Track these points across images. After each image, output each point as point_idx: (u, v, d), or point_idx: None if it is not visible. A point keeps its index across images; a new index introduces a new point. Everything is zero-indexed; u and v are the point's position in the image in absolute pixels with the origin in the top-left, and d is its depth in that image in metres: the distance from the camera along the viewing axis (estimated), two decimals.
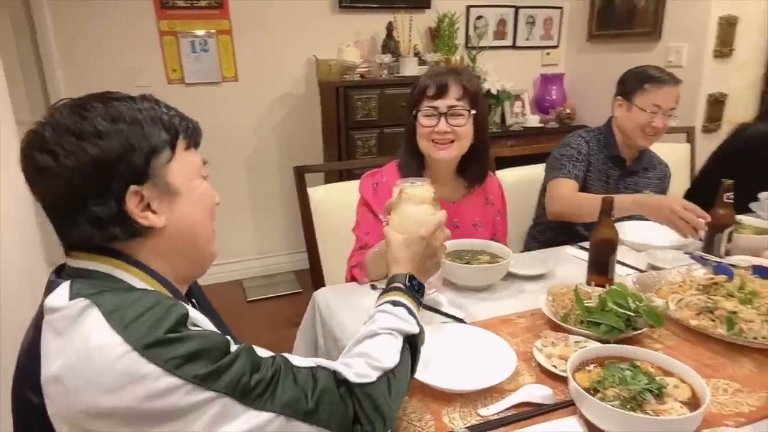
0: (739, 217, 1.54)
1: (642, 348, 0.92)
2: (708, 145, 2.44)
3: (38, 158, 0.67)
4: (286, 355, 0.72)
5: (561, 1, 3.82)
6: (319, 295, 1.33)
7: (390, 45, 3.26)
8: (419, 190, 1.17)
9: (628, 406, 0.76)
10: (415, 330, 0.80)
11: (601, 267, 1.27)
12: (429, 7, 3.45)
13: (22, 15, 2.75)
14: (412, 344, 0.80)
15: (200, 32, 3.04)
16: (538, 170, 2.04)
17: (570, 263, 1.46)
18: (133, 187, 0.69)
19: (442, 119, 1.38)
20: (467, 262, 1.33)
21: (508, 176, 2.07)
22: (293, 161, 1.97)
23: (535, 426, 0.82)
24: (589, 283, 1.26)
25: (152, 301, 0.63)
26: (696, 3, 2.95)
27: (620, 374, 0.81)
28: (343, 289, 1.35)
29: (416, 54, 3.29)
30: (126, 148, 0.68)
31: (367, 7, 3.31)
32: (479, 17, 3.64)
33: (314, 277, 1.82)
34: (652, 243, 1.50)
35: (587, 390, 0.80)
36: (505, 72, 3.60)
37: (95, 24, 2.85)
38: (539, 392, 0.88)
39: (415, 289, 0.87)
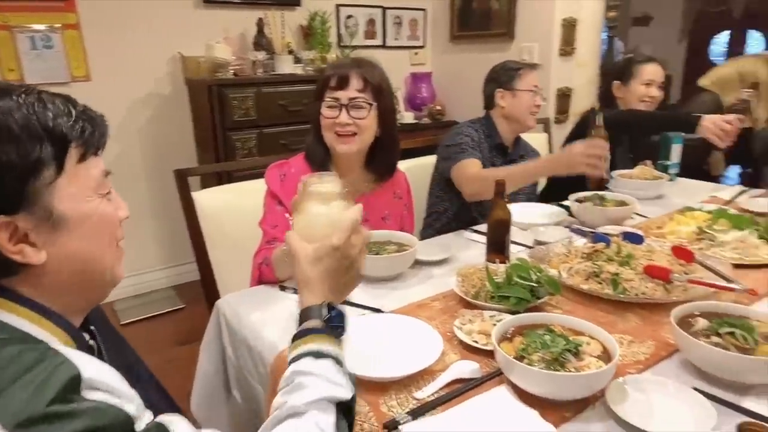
0: (602, 193, 1.74)
1: (552, 313, 0.99)
2: (559, 134, 2.75)
3: None
4: None
5: (424, 3, 4.01)
6: (224, 304, 1.24)
7: (262, 42, 3.16)
8: (327, 186, 1.15)
9: (552, 368, 0.82)
10: (348, 394, 0.66)
11: (498, 246, 1.35)
12: (299, 5, 3.40)
13: None
14: (346, 410, 0.67)
15: (41, 27, 2.67)
16: (421, 163, 2.12)
17: (469, 246, 1.53)
18: (0, 218, 0.56)
19: (344, 111, 1.37)
20: (376, 253, 1.33)
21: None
22: (163, 167, 1.82)
23: (469, 400, 0.85)
24: (491, 262, 1.33)
25: (32, 360, 0.51)
26: (542, 6, 3.28)
27: (540, 339, 0.86)
28: (249, 294, 1.28)
29: (290, 52, 3.23)
30: None
31: (234, 3, 3.17)
32: (349, 16, 3.68)
33: (207, 289, 1.70)
34: (535, 221, 1.63)
35: (515, 358, 0.85)
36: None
37: None
38: (467, 368, 0.90)
39: (335, 322, 0.73)
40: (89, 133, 0.64)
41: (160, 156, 3.11)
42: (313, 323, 0.72)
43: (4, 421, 0.46)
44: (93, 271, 0.65)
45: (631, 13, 9.16)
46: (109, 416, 0.52)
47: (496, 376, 0.88)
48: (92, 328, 0.73)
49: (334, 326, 0.73)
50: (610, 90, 2.32)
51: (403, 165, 2.13)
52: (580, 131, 2.23)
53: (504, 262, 1.27)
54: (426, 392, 0.86)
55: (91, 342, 0.70)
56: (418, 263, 1.39)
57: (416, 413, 0.81)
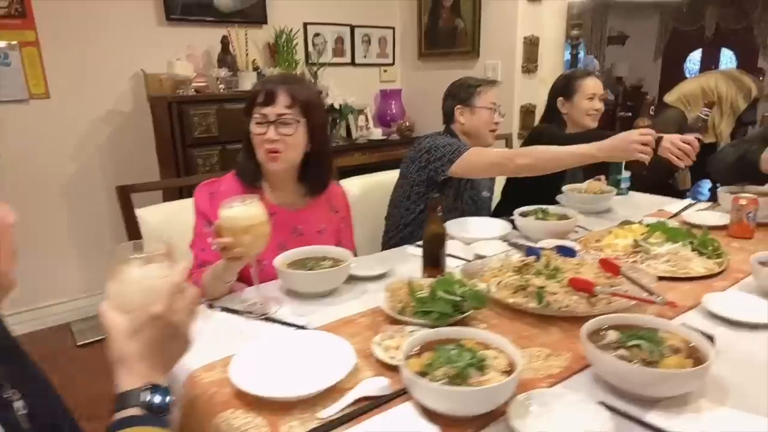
0: (546, 207, 1.75)
1: (465, 327, 0.98)
2: None
3: None
4: None
5: (392, 22, 4.06)
6: None
7: (227, 60, 3.17)
8: (241, 209, 1.14)
9: (455, 383, 0.81)
10: None
11: (434, 260, 1.35)
12: (266, 23, 3.43)
13: None
14: None
15: None
16: (385, 177, 2.17)
17: (408, 260, 1.52)
18: None
19: (272, 127, 1.37)
20: (310, 269, 1.32)
21: (355, 185, 2.13)
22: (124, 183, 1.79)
23: (374, 418, 0.83)
24: (425, 275, 1.33)
25: None
26: (505, 25, 3.34)
27: (447, 354, 0.85)
28: None
29: (255, 69, 3.24)
30: None
31: (198, 21, 3.18)
32: (317, 34, 3.72)
33: None
34: (480, 236, 1.64)
35: (419, 374, 0.83)
36: (347, 87, 3.71)
37: None
38: (375, 385, 0.89)
39: (156, 406, 0.66)
40: None
41: (121, 173, 3.07)
42: (132, 411, 0.65)
43: None
44: None
45: (607, 32, 9.40)
46: None
47: (402, 393, 0.87)
48: None
49: (160, 411, 0.67)
50: (555, 106, 2.33)
51: (359, 181, 2.16)
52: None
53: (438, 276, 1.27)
54: (330, 411, 0.85)
55: None
56: (354, 278, 1.38)
57: None
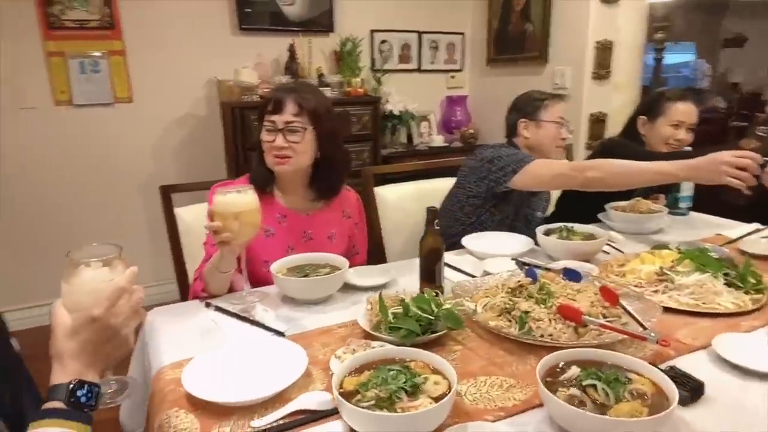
0: (573, 225, 1.63)
1: (413, 349, 0.94)
2: None
3: None
4: None
5: (462, 27, 4.00)
6: (149, 315, 1.29)
7: (293, 67, 3.30)
8: (234, 196, 1.19)
9: (381, 406, 0.78)
10: None
11: (429, 275, 1.31)
12: (333, 31, 3.52)
13: None
14: None
15: (91, 53, 2.97)
16: (439, 184, 2.15)
17: (414, 272, 1.48)
18: None
19: (280, 135, 1.40)
20: (305, 275, 1.34)
21: (407, 191, 2.16)
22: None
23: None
24: (421, 291, 1.29)
25: None
26: (575, 29, 3.16)
27: (383, 375, 0.83)
28: (175, 308, 1.33)
29: (320, 76, 3.34)
30: None
31: (268, 30, 3.34)
32: (383, 41, 3.75)
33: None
34: (492, 252, 1.56)
35: (351, 393, 0.82)
36: (411, 94, 3.72)
37: None
38: (316, 399, 0.88)
39: (81, 402, 0.72)
40: None
41: (194, 173, 3.31)
42: (55, 404, 0.71)
43: None
44: None
45: (722, 34, 8.52)
46: None
47: (336, 411, 0.85)
48: None
49: (83, 405, 0.72)
50: (635, 124, 2.12)
51: (398, 188, 2.14)
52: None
53: (437, 292, 1.23)
54: (264, 421, 0.85)
55: None
56: (351, 287, 1.38)
57: None
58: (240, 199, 1.19)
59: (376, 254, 2.13)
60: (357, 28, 3.56)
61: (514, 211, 1.89)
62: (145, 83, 3.13)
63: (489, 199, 1.84)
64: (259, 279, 1.42)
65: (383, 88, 3.59)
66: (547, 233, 1.60)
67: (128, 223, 3.21)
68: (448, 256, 1.58)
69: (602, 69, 3.14)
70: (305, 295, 1.31)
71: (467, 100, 4.05)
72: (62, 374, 0.74)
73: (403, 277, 1.45)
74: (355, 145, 3.26)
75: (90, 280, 0.77)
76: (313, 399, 0.88)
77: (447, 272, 1.48)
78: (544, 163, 1.74)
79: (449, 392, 0.80)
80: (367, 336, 1.10)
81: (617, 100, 3.22)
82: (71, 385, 0.72)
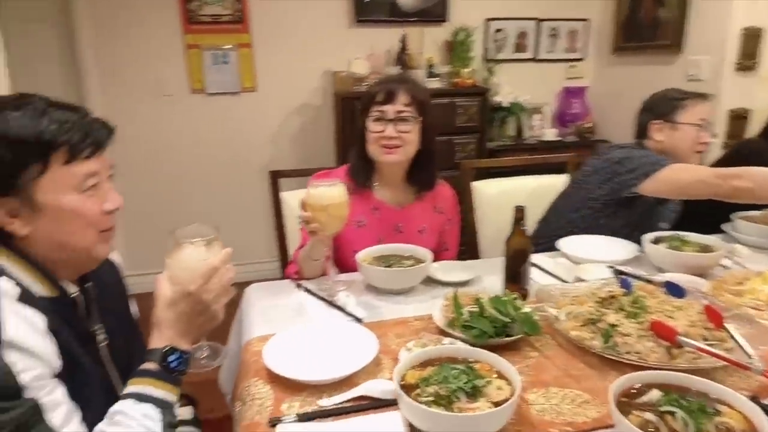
0: (687, 234, 1.47)
1: (481, 350, 0.92)
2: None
3: None
4: None
5: (587, 13, 3.74)
6: (248, 290, 1.41)
7: (403, 58, 3.33)
8: (324, 189, 1.24)
9: (439, 403, 0.78)
10: None
11: (514, 276, 1.27)
12: (446, 21, 3.49)
13: (64, 29, 3.06)
14: None
15: (222, 45, 3.24)
16: (545, 181, 2.08)
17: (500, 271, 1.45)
18: None
19: (390, 125, 1.43)
20: (388, 265, 1.36)
21: (491, 187, 2.11)
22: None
23: (362, 417, 0.85)
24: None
25: None
26: (718, 14, 2.81)
27: (445, 373, 0.83)
28: (271, 286, 1.42)
29: (430, 66, 3.35)
30: None
31: (382, 21, 3.40)
32: (498, 30, 3.64)
33: None
34: (590, 257, 1.47)
35: (412, 386, 0.83)
36: (524, 85, 3.58)
37: (129, 39, 3.12)
38: (380, 387, 0.91)
39: (171, 366, 0.81)
40: (78, 140, 0.80)
41: (306, 161, 3.50)
42: (150, 366, 0.81)
43: None
44: (68, 249, 0.83)
45: None
46: (0, 379, 0.67)
47: (395, 402, 0.87)
48: (87, 286, 0.93)
49: (172, 370, 0.81)
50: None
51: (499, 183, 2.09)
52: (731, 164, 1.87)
53: (524, 295, 1.20)
54: (330, 401, 0.90)
55: (75, 295, 0.89)
56: (434, 282, 1.38)
57: (304, 417, 0.86)
58: (329, 192, 1.24)
59: (468, 250, 2.10)
60: (471, 16, 3.49)
61: (638, 220, 1.73)
62: (268, 74, 3.36)
63: (610, 204, 1.71)
64: (348, 267, 1.48)
65: (494, 79, 3.50)
66: (656, 241, 1.47)
67: (245, 203, 3.49)
68: (541, 259, 1.53)
69: (748, 60, 2.77)
70: (387, 284, 1.34)
71: (587, 91, 3.80)
72: (159, 340, 0.84)
73: (488, 276, 1.42)
74: (459, 137, 3.22)
75: (188, 257, 0.86)
76: (378, 387, 0.91)
77: (537, 275, 1.43)
78: (682, 168, 1.57)
79: (511, 398, 0.78)
80: (441, 332, 1.10)
81: (764, 96, 2.82)
82: (165, 350, 0.82)
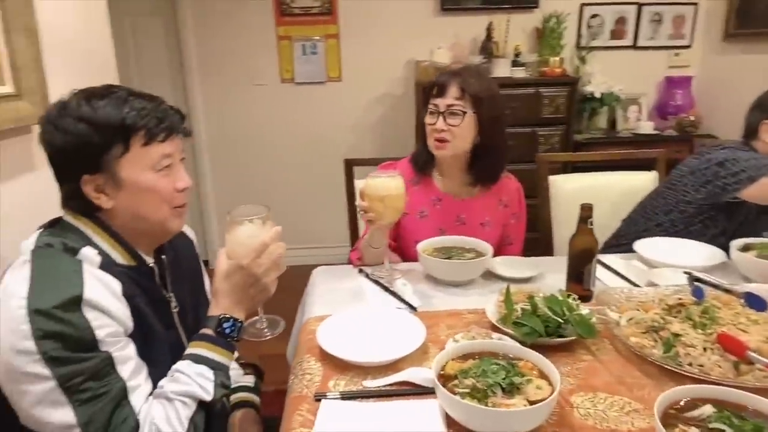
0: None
1: (524, 347, 0.91)
2: None
3: (45, 126, 0.88)
4: (134, 386, 0.82)
5: None
6: (314, 272, 1.48)
7: (489, 47, 3.27)
8: (382, 180, 1.27)
9: (474, 396, 0.79)
10: (208, 397, 0.83)
11: (577, 276, 1.23)
12: (537, 7, 3.37)
13: (171, 23, 3.34)
14: (208, 409, 0.85)
15: (311, 36, 3.37)
16: (629, 178, 1.98)
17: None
18: (86, 176, 0.86)
19: (440, 118, 1.44)
20: (448, 257, 1.37)
21: (570, 182, 2.03)
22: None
23: (402, 402, 0.88)
24: (569, 293, 1.23)
25: (65, 270, 0.79)
26: None
27: (485, 368, 0.83)
28: (336, 270, 1.49)
29: (516, 55, 3.25)
30: (80, 144, 0.84)
31: (469, 9, 3.35)
32: (594, 16, 3.45)
33: None
34: (664, 260, 1.38)
35: (451, 377, 0.84)
36: (620, 74, 3.38)
37: (226, 31, 3.34)
38: (423, 375, 0.93)
39: (226, 332, 0.89)
40: (154, 125, 0.89)
41: (386, 150, 3.55)
42: (207, 331, 0.89)
43: (29, 301, 0.75)
44: (143, 221, 0.93)
45: None
46: (80, 332, 0.76)
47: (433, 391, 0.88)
48: (163, 257, 1.04)
49: (226, 335, 0.89)
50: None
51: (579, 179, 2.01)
52: None
53: (581, 296, 1.17)
54: (374, 384, 0.93)
55: (152, 265, 0.99)
56: (495, 276, 1.37)
57: (347, 396, 0.90)
58: (387, 183, 1.27)
59: (542, 246, 2.04)
60: (565, 2, 3.33)
61: (735, 229, 1.59)
62: (353, 64, 3.44)
63: (707, 209, 1.59)
64: (409, 256, 1.50)
65: (586, 68, 3.32)
66: (745, 249, 1.35)
67: (324, 189, 3.61)
68: (613, 260, 1.47)
69: None
70: (445, 276, 1.34)
71: (693, 81, 3.49)
72: (216, 308, 0.92)
73: (552, 274, 1.38)
74: (544, 129, 3.11)
75: (242, 234, 0.94)
76: (420, 374, 0.93)
77: (606, 277, 1.37)
78: None
79: (548, 398, 0.77)
80: (492, 327, 1.09)
81: None
82: (220, 318, 0.90)
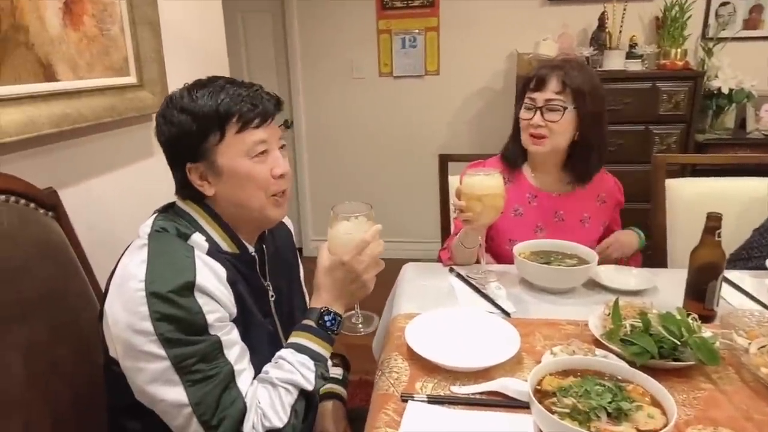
0: None
1: (636, 370, 0.81)
2: None
3: (157, 118, 0.92)
4: (240, 370, 0.84)
5: None
6: (404, 267, 1.46)
7: (600, 37, 3.06)
8: (481, 179, 1.22)
9: (574, 418, 0.72)
10: (310, 386, 0.85)
11: (698, 293, 1.10)
12: None
13: (279, 19, 3.47)
14: (308, 398, 0.87)
15: (411, 30, 3.35)
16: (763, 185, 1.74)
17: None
18: (189, 164, 0.89)
19: (538, 113, 1.36)
20: (548, 263, 1.29)
21: (689, 187, 1.83)
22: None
23: (492, 413, 0.83)
24: (685, 309, 1.11)
25: (179, 255, 0.83)
26: None
27: (589, 387, 0.76)
28: (426, 266, 1.46)
29: (631, 47, 3.01)
30: (183, 134, 0.87)
31: None
32: (724, 3, 3.11)
33: None
34: None
35: (548, 393, 0.78)
36: (754, 69, 3.01)
37: (329, 25, 3.42)
38: (516, 386, 0.87)
39: (326, 325, 0.91)
40: (248, 111, 0.89)
41: (482, 145, 3.45)
42: (309, 322, 0.91)
43: (147, 284, 0.78)
44: (243, 209, 0.94)
45: None
46: (193, 317, 0.80)
47: (528, 405, 0.82)
48: (264, 246, 1.06)
49: (327, 328, 0.91)
50: None
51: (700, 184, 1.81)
52: None
53: (700, 315, 1.04)
54: (463, 390, 0.89)
55: (253, 254, 1.01)
56: (598, 286, 1.27)
57: (434, 400, 0.87)
58: (486, 182, 1.21)
59: (654, 257, 1.87)
60: None
61: None
62: (452, 57, 3.38)
63: None
64: (503, 257, 1.43)
65: (712, 61, 3.00)
66: None
67: (419, 183, 3.59)
68: (742, 277, 1.30)
69: None
70: (543, 282, 1.26)
71: None
72: (317, 301, 0.94)
73: (668, 289, 1.25)
74: (660, 127, 2.84)
75: (344, 231, 0.94)
76: (513, 386, 0.87)
77: (731, 296, 1.21)
78: None
79: (663, 430, 0.68)
80: (595, 342, 1.00)
81: None
82: (321, 311, 0.92)
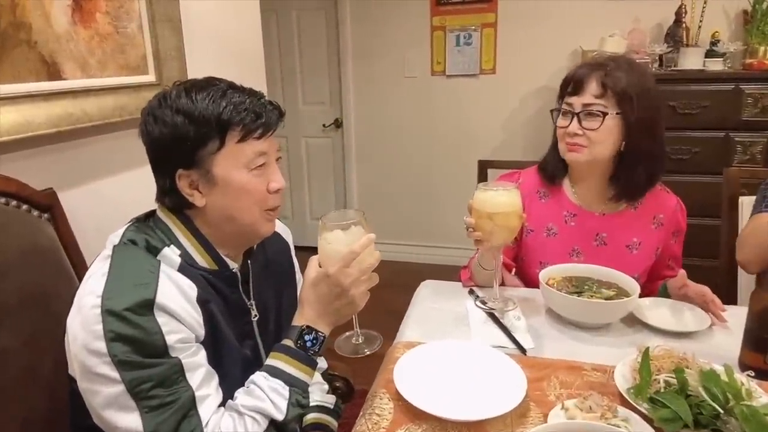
0: None
1: None
2: None
3: (145, 115, 0.85)
4: (203, 396, 0.77)
5: None
6: (422, 285, 1.34)
7: (676, 33, 2.77)
8: (493, 194, 1.07)
9: None
10: (280, 416, 0.78)
11: (758, 343, 0.91)
12: None
13: (332, 16, 3.42)
14: (279, 429, 0.79)
15: (467, 26, 3.19)
16: None
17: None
18: (180, 171, 0.82)
19: (575, 119, 1.18)
20: (580, 293, 1.12)
21: None
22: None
23: None
24: (741, 361, 0.92)
25: (142, 270, 0.76)
26: None
27: None
28: (444, 286, 1.33)
29: (713, 44, 2.70)
30: (176, 137, 0.80)
31: None
32: None
33: None
34: None
35: None
36: None
37: (381, 23, 3.33)
38: None
39: (306, 346, 0.83)
40: (251, 121, 0.83)
41: (536, 149, 3.22)
42: (287, 342, 0.83)
43: (104, 300, 0.72)
44: (233, 222, 0.87)
45: None
46: (151, 338, 0.73)
47: None
48: (249, 262, 0.98)
49: (307, 349, 0.82)
50: None
51: None
52: None
53: (759, 369, 0.86)
54: None
55: (235, 270, 0.92)
56: (640, 323, 1.09)
57: None
58: (498, 198, 1.05)
59: (722, 289, 1.62)
60: None
61: None
62: (510, 55, 3.19)
63: None
64: (532, 280, 1.28)
65: None
66: None
67: (468, 186, 3.42)
68: None
69: None
70: (570, 315, 1.10)
71: None
72: (299, 318, 0.85)
73: (729, 332, 1.05)
74: (743, 134, 2.52)
75: (333, 241, 0.85)
76: None
77: None
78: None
79: None
80: (620, 397, 0.84)
81: None
82: (302, 329, 0.84)
